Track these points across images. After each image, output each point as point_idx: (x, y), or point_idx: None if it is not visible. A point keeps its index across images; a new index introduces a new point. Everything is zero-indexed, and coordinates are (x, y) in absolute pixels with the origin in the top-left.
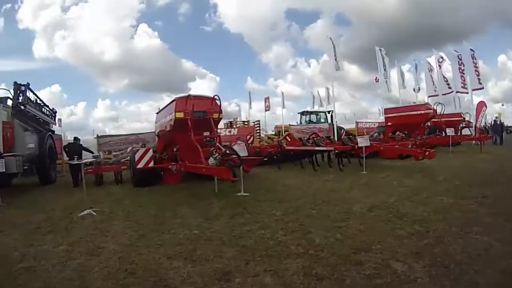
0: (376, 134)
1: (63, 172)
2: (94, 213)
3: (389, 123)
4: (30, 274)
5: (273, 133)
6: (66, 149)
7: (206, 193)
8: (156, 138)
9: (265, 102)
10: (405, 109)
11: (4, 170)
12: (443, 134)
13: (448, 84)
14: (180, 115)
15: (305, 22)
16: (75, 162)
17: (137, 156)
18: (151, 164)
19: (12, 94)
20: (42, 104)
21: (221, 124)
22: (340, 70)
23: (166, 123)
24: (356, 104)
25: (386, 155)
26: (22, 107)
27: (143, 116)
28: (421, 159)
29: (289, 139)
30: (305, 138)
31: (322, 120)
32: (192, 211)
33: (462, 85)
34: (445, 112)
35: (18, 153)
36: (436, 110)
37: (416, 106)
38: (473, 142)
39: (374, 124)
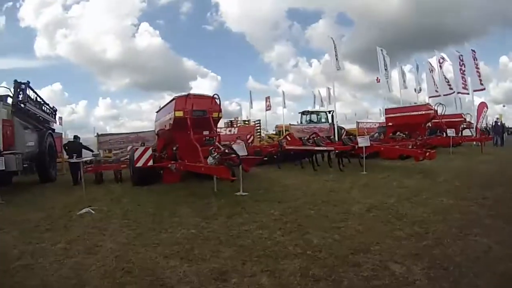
0: (377, 134)
1: (63, 170)
2: (93, 212)
3: (390, 124)
4: (28, 271)
5: (274, 132)
6: (66, 147)
7: (205, 192)
8: (156, 137)
9: (266, 101)
10: (406, 110)
11: (3, 168)
12: (444, 135)
13: (449, 85)
14: (180, 114)
15: (307, 22)
16: (75, 160)
17: (136, 155)
18: (150, 163)
19: (12, 92)
20: (42, 102)
21: (221, 123)
22: (341, 70)
23: (165, 122)
24: (357, 104)
25: (387, 156)
26: (22, 105)
27: (144, 114)
28: (421, 159)
29: (289, 139)
30: (306, 138)
31: (323, 120)
32: (190, 210)
33: (463, 85)
34: (446, 113)
35: (18, 151)
36: (437, 111)
37: (417, 106)
38: (474, 143)
39: (375, 124)
